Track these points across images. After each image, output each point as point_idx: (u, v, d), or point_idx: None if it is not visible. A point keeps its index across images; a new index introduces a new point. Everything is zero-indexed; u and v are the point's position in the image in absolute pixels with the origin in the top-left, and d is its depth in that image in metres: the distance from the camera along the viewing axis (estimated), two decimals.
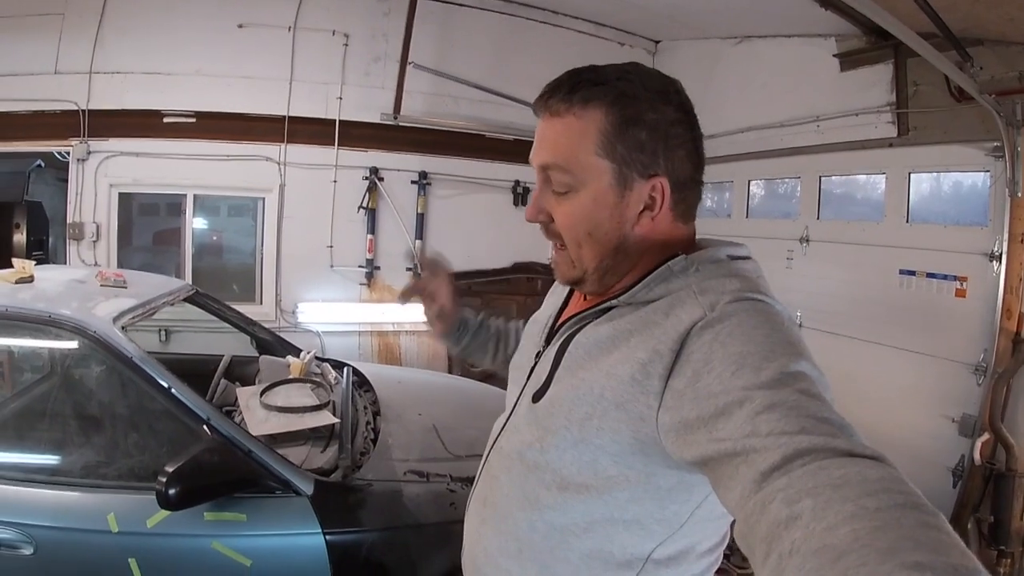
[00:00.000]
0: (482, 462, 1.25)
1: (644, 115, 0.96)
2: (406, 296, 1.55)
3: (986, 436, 3.61)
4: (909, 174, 4.26)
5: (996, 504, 3.56)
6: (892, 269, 4.32)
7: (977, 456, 3.63)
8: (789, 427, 0.69)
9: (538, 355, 1.16)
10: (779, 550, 0.59)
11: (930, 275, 4.10)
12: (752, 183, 5.81)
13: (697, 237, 1.08)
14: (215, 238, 6.45)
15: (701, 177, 1.05)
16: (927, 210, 4.28)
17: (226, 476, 2.09)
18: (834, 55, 4.66)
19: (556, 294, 1.30)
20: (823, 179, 4.98)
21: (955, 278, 3.95)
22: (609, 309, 1.03)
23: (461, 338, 1.58)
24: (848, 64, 4.59)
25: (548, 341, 1.16)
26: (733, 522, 0.73)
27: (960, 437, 3.89)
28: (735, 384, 0.78)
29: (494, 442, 1.21)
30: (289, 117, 5.79)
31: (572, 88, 0.98)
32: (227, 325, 3.73)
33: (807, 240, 5.02)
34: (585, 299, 1.15)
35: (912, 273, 4.21)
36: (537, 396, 1.07)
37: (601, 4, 6.01)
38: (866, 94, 4.46)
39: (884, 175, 4.44)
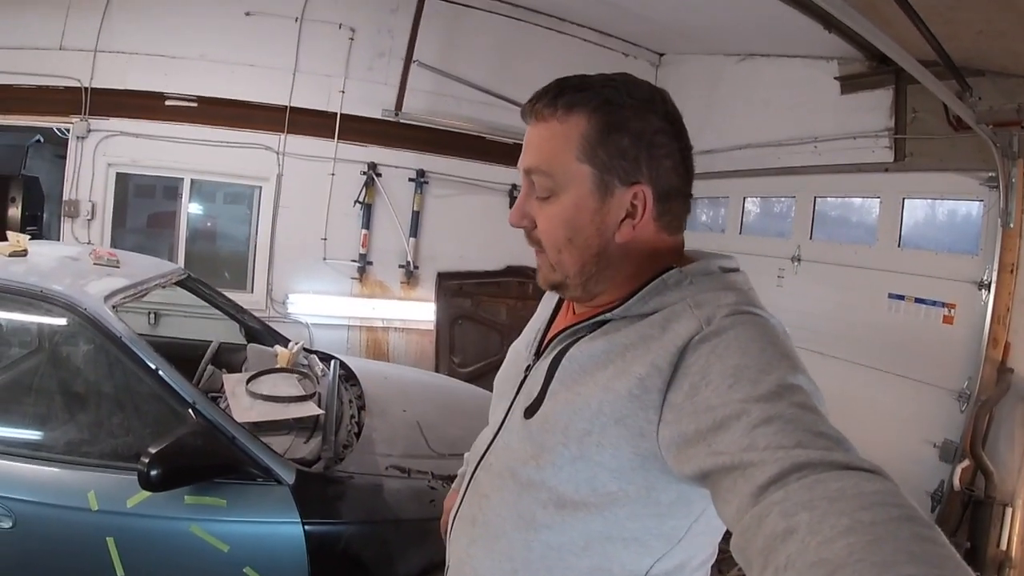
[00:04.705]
0: (466, 480, 1.21)
1: (628, 122, 0.96)
2: None
3: (966, 463, 3.63)
4: (903, 199, 4.30)
5: (973, 530, 3.58)
6: (881, 293, 4.35)
7: (957, 482, 3.65)
8: (786, 441, 0.69)
9: (527, 369, 1.14)
10: (775, 564, 0.59)
11: (919, 300, 4.13)
12: (747, 200, 5.84)
13: (686, 248, 1.08)
14: (209, 224, 6.43)
15: (689, 189, 1.05)
16: (919, 236, 4.31)
17: (209, 460, 2.08)
18: (835, 78, 4.69)
19: (545, 306, 1.27)
20: (818, 200, 5.02)
21: (943, 305, 3.99)
22: (603, 323, 1.01)
23: None
24: (848, 87, 4.63)
25: (538, 354, 1.14)
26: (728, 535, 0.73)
27: (940, 462, 3.92)
28: (732, 397, 0.77)
29: (480, 459, 1.18)
30: (290, 107, 5.79)
31: (557, 94, 0.99)
32: (217, 311, 3.71)
33: (799, 259, 5.04)
34: (575, 312, 1.14)
35: (901, 298, 4.24)
36: (530, 411, 1.05)
37: (607, 14, 6.03)
38: (865, 118, 4.49)
39: (878, 199, 4.48)
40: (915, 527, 0.56)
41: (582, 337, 1.03)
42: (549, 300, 1.27)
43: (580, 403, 0.95)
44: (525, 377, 1.13)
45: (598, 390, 0.94)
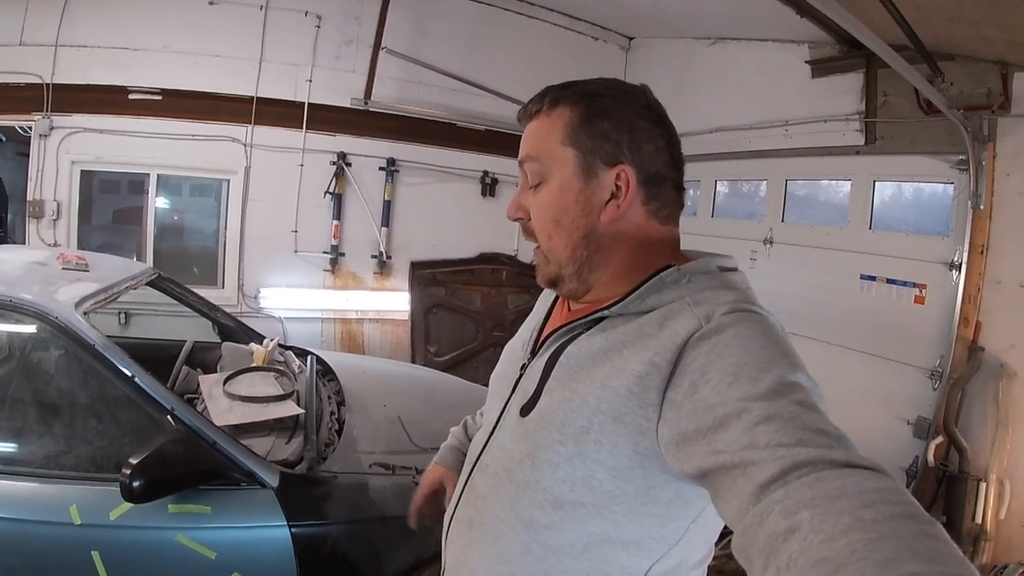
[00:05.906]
0: (462, 481, 1.20)
1: (608, 110, 1.01)
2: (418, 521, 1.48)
3: (940, 439, 3.72)
4: (874, 182, 4.36)
5: (948, 505, 3.68)
6: (853, 274, 4.43)
7: (931, 458, 3.74)
8: (786, 439, 0.69)
9: (523, 367, 1.13)
10: (777, 563, 0.59)
11: (890, 281, 4.21)
12: (719, 183, 5.88)
13: (683, 248, 1.08)
14: (176, 218, 6.27)
15: (679, 178, 1.06)
16: (890, 218, 4.38)
17: (191, 468, 2.05)
18: (806, 61, 4.73)
19: (541, 305, 1.28)
20: (789, 183, 5.06)
21: (915, 285, 4.06)
22: (600, 320, 1.01)
23: None
24: (820, 71, 4.67)
25: (534, 352, 1.13)
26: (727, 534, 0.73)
27: (914, 439, 4.01)
28: (732, 395, 0.77)
29: (476, 460, 1.17)
30: (257, 98, 5.66)
31: (544, 94, 1.06)
32: (188, 310, 3.64)
33: (771, 242, 5.10)
34: (570, 310, 1.14)
35: (873, 278, 4.32)
36: (525, 410, 1.04)
37: None
38: (836, 101, 4.54)
39: (850, 181, 4.53)
40: (917, 524, 0.57)
41: (579, 334, 1.03)
42: (545, 299, 1.27)
43: (578, 400, 0.95)
44: (521, 375, 1.13)
45: (596, 387, 0.94)
